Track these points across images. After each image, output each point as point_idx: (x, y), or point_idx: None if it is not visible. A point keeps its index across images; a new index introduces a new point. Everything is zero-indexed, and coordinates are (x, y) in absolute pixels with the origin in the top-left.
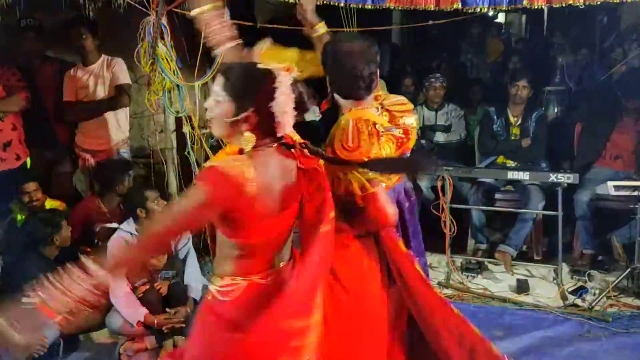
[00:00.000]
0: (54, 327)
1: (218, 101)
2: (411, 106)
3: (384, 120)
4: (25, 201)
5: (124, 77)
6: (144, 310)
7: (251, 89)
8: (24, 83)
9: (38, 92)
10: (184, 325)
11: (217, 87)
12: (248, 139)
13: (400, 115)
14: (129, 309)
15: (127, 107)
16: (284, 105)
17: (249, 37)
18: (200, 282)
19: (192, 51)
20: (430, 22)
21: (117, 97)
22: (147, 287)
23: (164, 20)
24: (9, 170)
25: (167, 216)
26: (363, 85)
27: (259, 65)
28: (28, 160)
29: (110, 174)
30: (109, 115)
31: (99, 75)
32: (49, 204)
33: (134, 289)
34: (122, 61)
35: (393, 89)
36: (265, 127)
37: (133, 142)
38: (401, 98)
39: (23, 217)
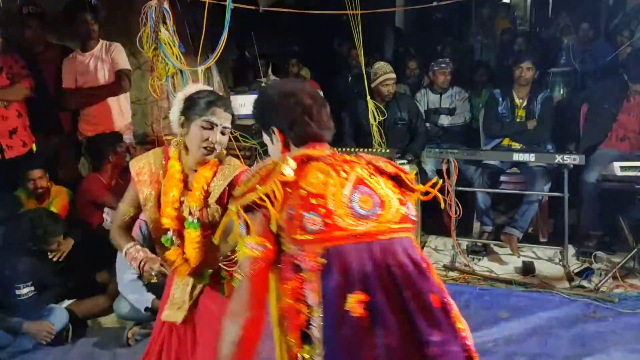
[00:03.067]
0: (62, 314)
1: None
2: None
3: None
4: (31, 188)
5: (124, 62)
6: (150, 296)
7: None
8: (27, 71)
9: (42, 79)
10: None
11: None
12: None
13: None
14: (136, 295)
15: (128, 93)
16: None
17: (251, 21)
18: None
19: (195, 36)
20: (435, 3)
21: (117, 82)
22: None
23: (166, 5)
24: (15, 157)
25: None
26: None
27: None
28: (34, 147)
29: (99, 146)
30: (111, 102)
31: (98, 60)
32: (55, 190)
33: (141, 276)
34: (120, 46)
35: (397, 72)
36: None
37: (137, 128)
38: None
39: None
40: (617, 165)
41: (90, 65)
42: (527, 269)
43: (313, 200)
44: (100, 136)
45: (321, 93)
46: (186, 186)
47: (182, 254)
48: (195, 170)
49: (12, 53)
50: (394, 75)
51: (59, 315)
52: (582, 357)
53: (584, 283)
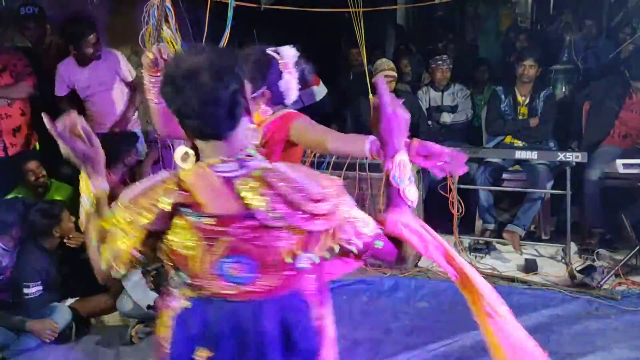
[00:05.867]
0: (65, 313)
1: None
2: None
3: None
4: (31, 180)
5: None
6: (154, 295)
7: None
8: (30, 69)
9: (45, 76)
10: None
11: None
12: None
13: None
14: (139, 294)
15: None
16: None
17: (252, 19)
18: None
19: (197, 34)
20: (436, 0)
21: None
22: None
23: (168, 3)
24: (19, 155)
25: None
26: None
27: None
28: (37, 145)
29: (116, 146)
30: (117, 99)
31: None
32: (55, 185)
33: (145, 274)
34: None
35: (398, 70)
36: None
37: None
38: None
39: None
40: (619, 162)
41: None
42: (530, 266)
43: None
44: (117, 135)
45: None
46: None
47: None
48: None
49: (15, 51)
50: (393, 72)
51: (62, 313)
52: (584, 354)
53: (587, 280)
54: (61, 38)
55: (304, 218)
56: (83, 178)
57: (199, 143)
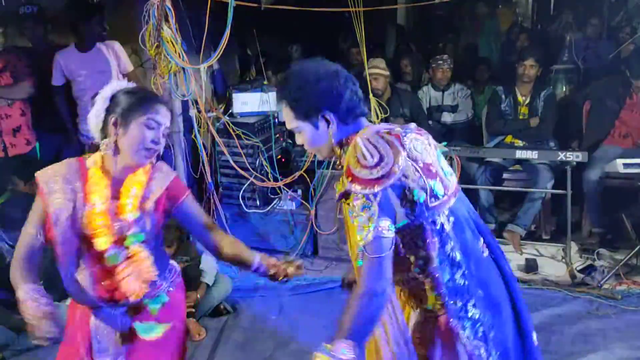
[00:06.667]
0: (65, 312)
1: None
2: None
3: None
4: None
5: None
6: None
7: None
8: (31, 69)
9: (45, 76)
10: (193, 309)
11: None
12: None
13: None
14: None
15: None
16: None
17: (252, 19)
18: (214, 269)
19: (197, 34)
20: (437, 0)
21: None
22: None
23: (168, 3)
24: (19, 155)
25: None
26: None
27: None
28: (37, 145)
29: None
30: None
31: None
32: None
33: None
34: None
35: (397, 71)
36: None
37: None
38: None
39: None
40: (620, 162)
41: None
42: (530, 266)
43: (432, 169)
44: None
45: None
46: (114, 195)
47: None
48: (123, 179)
49: (15, 51)
50: (380, 71)
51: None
52: (585, 354)
53: (587, 280)
54: (67, 17)
55: None
56: None
57: (338, 126)
